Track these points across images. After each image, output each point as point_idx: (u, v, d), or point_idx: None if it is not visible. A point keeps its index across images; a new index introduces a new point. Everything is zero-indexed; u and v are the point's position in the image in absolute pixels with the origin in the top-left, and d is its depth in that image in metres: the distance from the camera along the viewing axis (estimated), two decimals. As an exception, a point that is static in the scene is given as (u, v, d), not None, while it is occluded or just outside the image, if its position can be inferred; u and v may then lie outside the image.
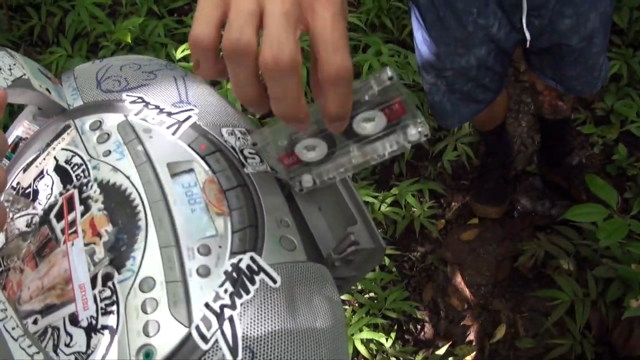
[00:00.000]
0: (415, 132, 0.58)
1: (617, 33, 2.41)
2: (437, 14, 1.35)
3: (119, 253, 0.54)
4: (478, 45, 1.39)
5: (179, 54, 2.22)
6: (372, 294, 1.84)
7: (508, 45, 1.43)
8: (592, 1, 1.34)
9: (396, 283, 1.91)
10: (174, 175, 0.58)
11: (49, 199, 0.59)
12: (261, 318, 0.52)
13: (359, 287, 1.83)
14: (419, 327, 1.86)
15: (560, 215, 1.99)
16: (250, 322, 0.52)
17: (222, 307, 0.51)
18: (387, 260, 1.89)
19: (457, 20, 1.34)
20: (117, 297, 0.52)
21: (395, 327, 1.84)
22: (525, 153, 2.23)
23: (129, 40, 2.14)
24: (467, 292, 1.91)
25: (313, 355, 0.54)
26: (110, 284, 0.52)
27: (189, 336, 0.50)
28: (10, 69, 0.61)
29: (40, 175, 0.62)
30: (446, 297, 1.91)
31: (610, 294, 1.70)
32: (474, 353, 1.79)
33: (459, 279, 1.93)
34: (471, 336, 1.83)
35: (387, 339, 1.73)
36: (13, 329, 0.39)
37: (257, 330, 0.52)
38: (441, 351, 1.74)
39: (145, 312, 0.50)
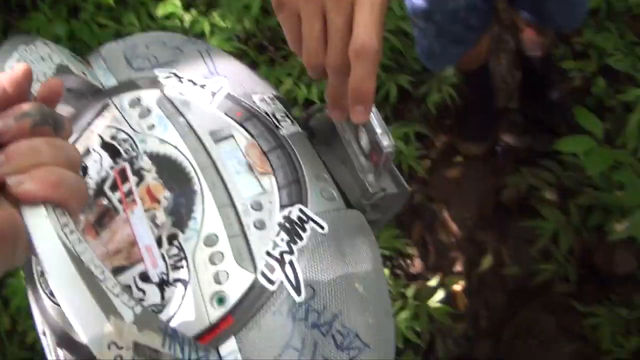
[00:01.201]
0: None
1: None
2: None
3: (179, 215, 0.60)
4: None
5: (160, 11, 2.24)
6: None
7: None
8: None
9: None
10: (216, 142, 0.64)
11: (99, 173, 0.65)
12: (316, 260, 0.59)
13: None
14: (409, 262, 1.93)
15: (542, 148, 2.05)
16: (307, 264, 0.59)
17: (281, 253, 0.58)
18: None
19: None
20: (184, 253, 0.58)
21: (388, 264, 1.90)
22: (506, 90, 2.27)
23: (111, 2, 2.15)
24: (453, 226, 1.98)
25: (362, 290, 0.62)
26: (176, 242, 0.59)
27: (255, 280, 0.57)
28: (50, 57, 0.65)
29: (87, 152, 0.68)
30: (434, 233, 1.97)
31: (591, 220, 1.76)
32: (462, 282, 1.86)
33: (445, 215, 2.00)
34: (458, 267, 1.90)
35: (380, 275, 1.79)
36: (113, 286, 0.44)
37: (314, 271, 0.59)
38: (433, 282, 1.81)
39: (213, 263, 0.58)
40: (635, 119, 1.79)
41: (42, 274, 0.67)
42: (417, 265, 1.91)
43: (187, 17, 2.27)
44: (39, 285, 0.67)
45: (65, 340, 0.62)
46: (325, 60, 0.58)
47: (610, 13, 2.31)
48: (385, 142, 0.63)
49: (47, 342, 0.65)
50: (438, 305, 1.77)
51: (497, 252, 1.90)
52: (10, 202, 0.44)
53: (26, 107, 0.46)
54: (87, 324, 0.41)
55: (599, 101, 2.14)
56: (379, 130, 0.63)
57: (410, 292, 1.82)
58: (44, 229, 0.43)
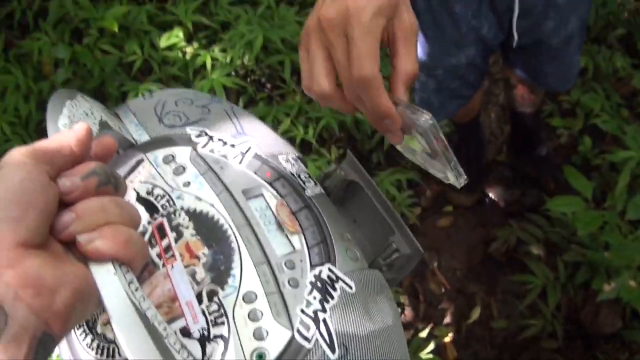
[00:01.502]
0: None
1: (584, 30, 2.52)
2: (434, 16, 1.43)
3: (219, 272, 0.62)
4: (469, 45, 1.48)
5: (163, 42, 2.25)
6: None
7: (494, 45, 1.52)
8: (574, 5, 1.44)
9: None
10: (248, 200, 0.67)
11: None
12: (347, 319, 0.61)
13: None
14: (398, 310, 1.95)
15: (530, 203, 2.10)
16: (339, 323, 0.61)
17: (315, 311, 0.60)
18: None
19: (453, 22, 1.43)
20: (224, 309, 0.60)
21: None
22: (495, 143, 2.33)
23: (116, 29, 2.16)
24: (443, 276, 2.01)
25: (388, 347, 0.64)
26: (215, 299, 0.60)
27: (293, 338, 0.59)
28: (92, 113, 0.67)
29: None
30: (424, 282, 2.00)
31: (578, 277, 1.81)
32: (452, 334, 1.89)
33: (435, 264, 2.03)
34: (448, 318, 1.93)
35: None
36: (174, 343, 0.45)
37: (346, 329, 0.61)
38: (424, 334, 1.84)
39: (252, 320, 0.59)
40: (623, 182, 1.85)
41: (79, 327, 0.67)
42: (407, 315, 1.94)
43: (189, 50, 2.29)
44: (75, 340, 0.67)
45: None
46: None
47: (597, 75, 2.39)
48: (422, 118, 0.61)
49: None
50: (429, 356, 1.79)
51: (486, 304, 1.94)
52: (77, 258, 0.45)
53: (91, 166, 0.47)
54: None
55: (585, 159, 2.21)
56: (412, 115, 0.61)
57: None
58: (113, 286, 0.44)
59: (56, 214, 0.45)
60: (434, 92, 1.65)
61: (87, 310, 0.46)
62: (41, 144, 0.47)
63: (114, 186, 0.48)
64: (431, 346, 1.79)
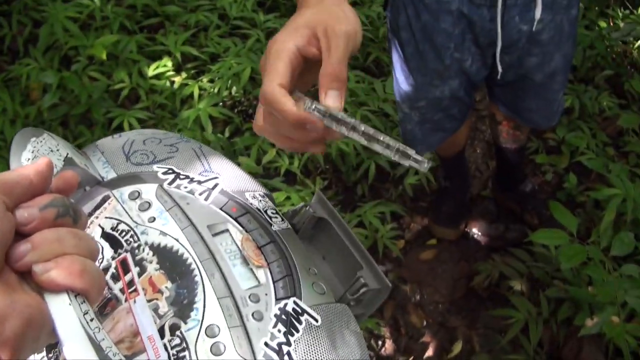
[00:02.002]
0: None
1: (570, 69, 2.54)
2: (417, 47, 1.45)
3: (182, 306, 0.62)
4: (452, 77, 1.49)
5: (151, 71, 2.27)
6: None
7: (478, 79, 1.54)
8: (557, 43, 1.45)
9: (358, 300, 1.97)
10: (214, 235, 0.67)
11: (101, 262, 0.66)
12: (311, 351, 0.62)
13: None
14: (380, 343, 1.93)
15: (513, 238, 2.10)
16: (303, 356, 0.61)
17: (279, 344, 0.61)
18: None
19: (436, 54, 1.44)
20: (186, 343, 0.60)
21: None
22: (480, 178, 2.34)
23: (104, 57, 2.17)
24: (425, 309, 2.00)
25: None
26: (178, 332, 0.60)
27: None
28: (58, 150, 0.68)
29: None
30: (406, 315, 1.99)
31: (561, 313, 1.80)
32: (433, 368, 1.87)
33: (418, 297, 2.02)
34: (430, 352, 1.91)
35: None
36: None
37: None
38: (403, 367, 1.82)
39: (215, 354, 0.59)
40: (608, 217, 1.85)
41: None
42: (388, 348, 1.92)
43: (177, 79, 2.30)
44: None
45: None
46: None
47: (583, 114, 2.41)
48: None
49: None
50: (409, 388, 1.77)
51: (468, 339, 1.92)
52: (32, 288, 0.45)
53: (50, 198, 0.48)
54: None
55: (569, 196, 2.22)
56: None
57: (380, 374, 1.82)
58: (67, 316, 0.44)
59: (12, 244, 0.45)
60: (417, 124, 1.66)
61: (40, 340, 0.45)
62: (0, 175, 0.47)
63: (72, 218, 0.48)
64: (412, 380, 1.78)
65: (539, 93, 1.60)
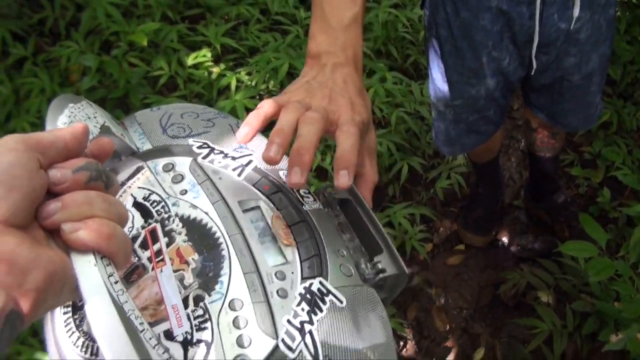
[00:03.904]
0: None
1: (610, 84, 2.52)
2: (455, 45, 1.44)
3: (207, 278, 0.62)
4: (489, 76, 1.48)
5: (190, 60, 2.28)
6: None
7: (515, 79, 1.52)
8: (595, 43, 1.44)
9: (382, 300, 1.97)
10: (244, 211, 0.67)
11: (131, 231, 0.67)
12: (334, 332, 0.62)
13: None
14: (401, 343, 1.93)
15: (542, 249, 2.08)
16: (326, 336, 0.61)
17: (301, 322, 0.60)
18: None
19: (473, 52, 1.43)
20: (209, 315, 0.60)
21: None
22: (513, 187, 2.32)
23: (145, 44, 2.19)
24: (449, 314, 1.98)
25: None
26: (201, 304, 0.60)
27: (276, 347, 0.58)
28: (95, 117, 0.69)
29: None
30: (429, 318, 1.98)
31: (586, 327, 1.78)
32: (453, 373, 1.86)
33: (442, 301, 2.01)
34: (451, 357, 1.90)
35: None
36: (150, 338, 0.45)
37: (332, 342, 0.61)
38: (424, 369, 1.81)
39: (237, 327, 0.59)
40: (638, 235, 1.83)
41: (66, 324, 0.67)
42: (410, 349, 1.91)
43: (216, 70, 2.32)
44: (62, 335, 0.67)
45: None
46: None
47: (621, 129, 2.38)
48: None
49: None
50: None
51: (491, 346, 1.91)
52: (59, 247, 0.46)
53: (83, 161, 0.48)
54: None
55: (602, 211, 2.19)
56: None
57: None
58: (92, 276, 0.45)
59: (43, 202, 0.46)
60: (451, 123, 1.65)
61: (61, 297, 0.46)
62: (36, 134, 0.48)
63: (104, 184, 0.49)
64: (431, 383, 1.77)
65: (576, 95, 1.58)
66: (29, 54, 2.33)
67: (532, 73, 1.48)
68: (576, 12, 1.34)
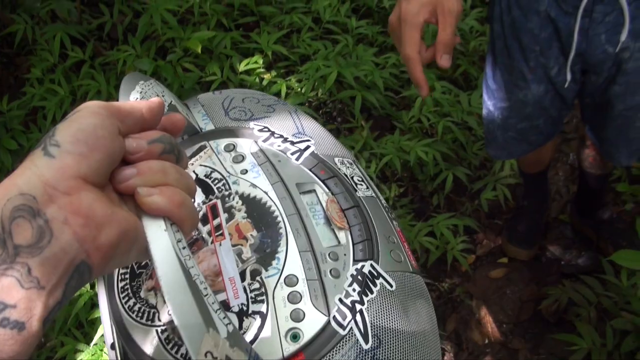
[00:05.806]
0: None
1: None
2: (505, 42, 1.44)
3: (264, 254, 0.66)
4: (536, 81, 1.46)
5: (242, 66, 2.33)
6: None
7: (567, 93, 1.49)
8: None
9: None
10: (301, 193, 0.72)
11: None
12: (383, 313, 0.65)
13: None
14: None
15: (586, 265, 2.06)
16: (375, 316, 0.64)
17: (353, 302, 0.64)
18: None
19: (521, 53, 1.42)
20: (265, 289, 0.64)
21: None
22: (560, 202, 2.29)
23: (199, 51, 2.25)
24: (489, 327, 1.98)
25: (422, 350, 0.67)
26: (258, 278, 0.65)
27: (328, 323, 0.62)
28: (163, 95, 0.73)
29: None
30: (468, 330, 1.97)
31: (625, 345, 1.75)
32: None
33: (482, 314, 2.00)
34: (489, 370, 1.89)
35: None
36: (213, 303, 0.48)
37: (381, 323, 0.64)
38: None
39: (291, 302, 0.63)
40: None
41: (123, 290, 0.71)
42: None
43: (267, 76, 2.36)
44: (118, 301, 0.71)
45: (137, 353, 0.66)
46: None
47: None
48: None
49: (117, 354, 0.69)
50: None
51: (529, 361, 1.90)
52: (131, 210, 0.49)
53: (158, 134, 0.51)
54: (190, 331, 0.44)
55: (648, 228, 2.15)
56: None
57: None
58: (162, 240, 0.47)
59: (119, 167, 0.49)
60: (499, 127, 1.63)
61: (129, 256, 0.49)
62: (116, 103, 0.51)
63: (176, 157, 0.52)
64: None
65: (617, 125, 1.52)
66: (87, 57, 2.42)
67: (566, 85, 1.45)
68: (623, 36, 1.30)
